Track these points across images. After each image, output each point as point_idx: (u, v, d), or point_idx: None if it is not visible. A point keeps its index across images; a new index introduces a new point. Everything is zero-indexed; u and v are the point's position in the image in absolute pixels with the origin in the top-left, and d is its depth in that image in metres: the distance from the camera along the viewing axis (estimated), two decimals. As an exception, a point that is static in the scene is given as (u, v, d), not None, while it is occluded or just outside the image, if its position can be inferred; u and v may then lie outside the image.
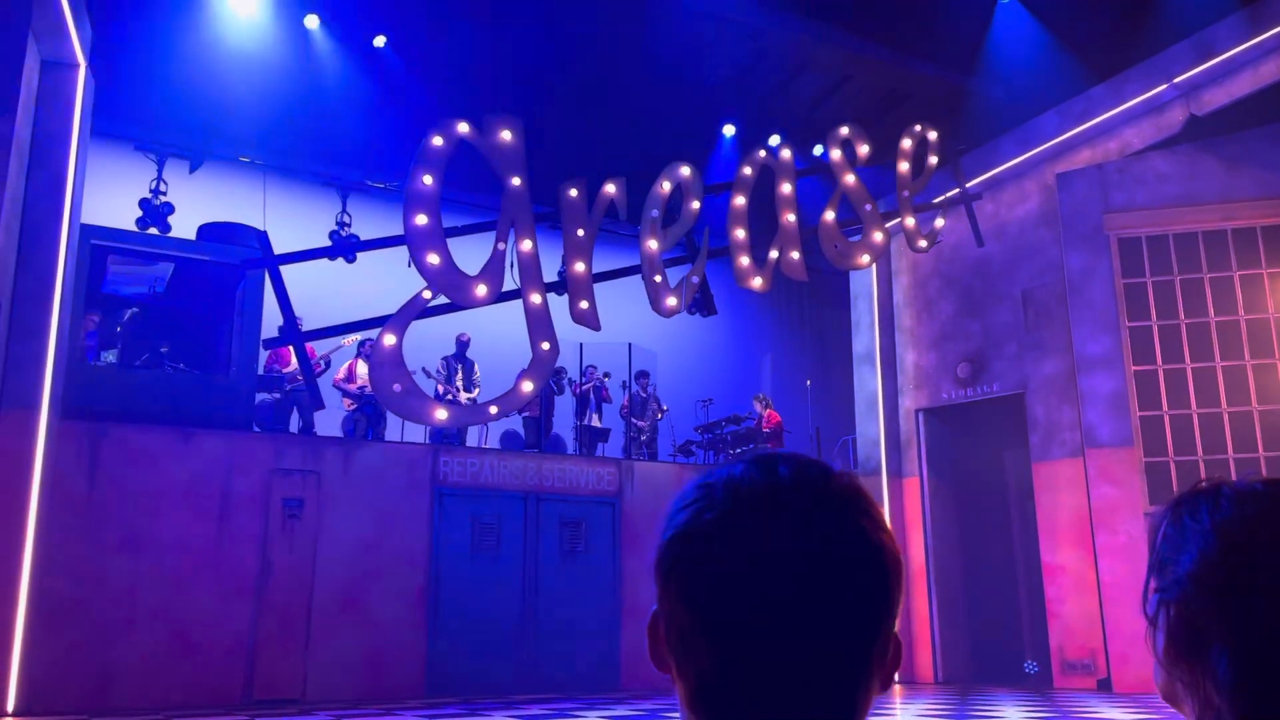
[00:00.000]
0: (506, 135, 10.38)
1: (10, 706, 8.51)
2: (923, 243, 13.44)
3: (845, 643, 0.73)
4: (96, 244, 10.62)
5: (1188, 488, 0.95)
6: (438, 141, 9.99)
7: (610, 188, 11.08)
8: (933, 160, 13.54)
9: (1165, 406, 11.83)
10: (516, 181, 10.39)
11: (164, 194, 12.07)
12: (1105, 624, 11.50)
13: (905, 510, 14.14)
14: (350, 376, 12.10)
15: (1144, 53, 12.54)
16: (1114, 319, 12.12)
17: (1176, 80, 12.17)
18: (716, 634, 0.73)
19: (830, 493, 0.76)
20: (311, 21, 12.48)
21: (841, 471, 0.80)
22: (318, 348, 11.79)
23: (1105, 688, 11.44)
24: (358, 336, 11.58)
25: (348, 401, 12.14)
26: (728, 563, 0.74)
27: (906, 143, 13.36)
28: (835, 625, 0.73)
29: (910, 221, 13.32)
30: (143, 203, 11.93)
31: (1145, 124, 12.72)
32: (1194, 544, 0.89)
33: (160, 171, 12.22)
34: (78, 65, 9.72)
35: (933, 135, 13.49)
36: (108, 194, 11.91)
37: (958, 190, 13.70)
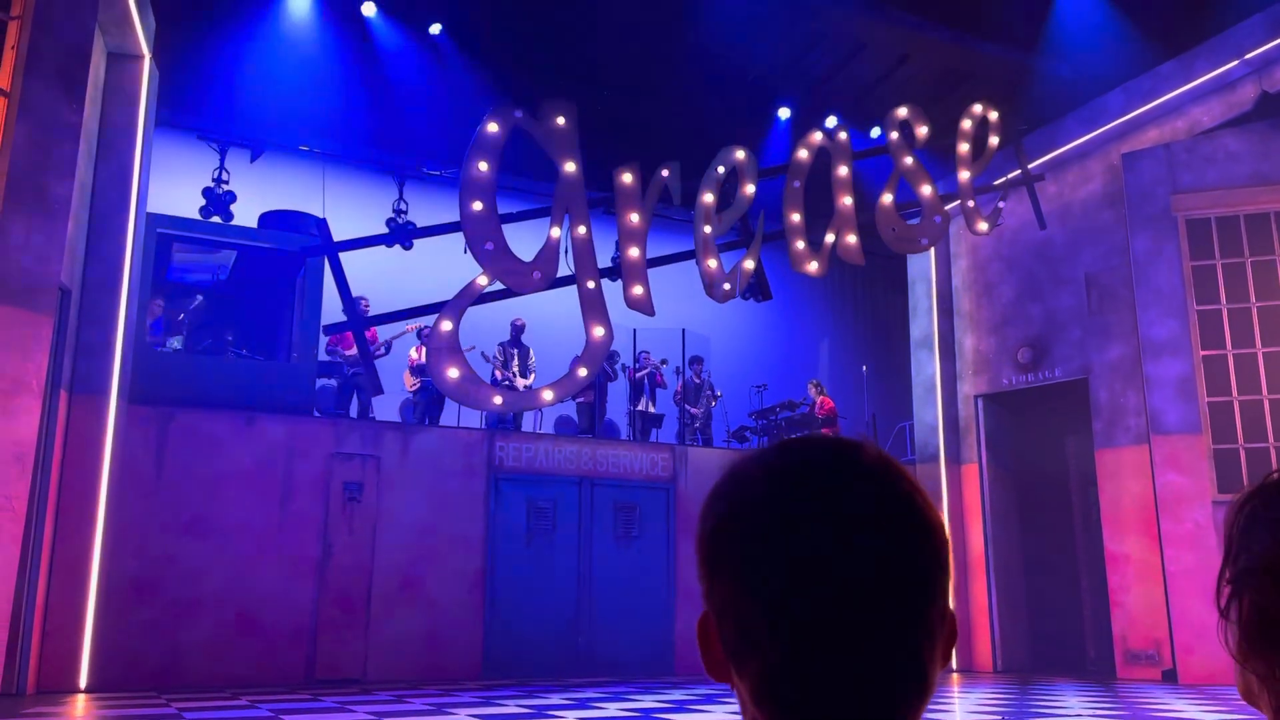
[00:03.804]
0: (560, 121, 10.39)
1: (83, 683, 8.78)
2: (983, 225, 13.20)
3: (912, 608, 0.72)
4: (162, 232, 10.86)
5: (1259, 479, 0.91)
6: (492, 128, 10.03)
7: (664, 172, 11.04)
8: (994, 141, 13.28)
9: (1235, 392, 11.51)
10: (570, 167, 10.40)
11: (226, 183, 12.31)
12: (1171, 614, 11.25)
13: (964, 497, 13.95)
14: (423, 356, 12.27)
15: (1214, 28, 12.15)
16: (1181, 302, 11.81)
17: (1248, 56, 11.78)
18: (779, 614, 0.70)
19: (871, 463, 0.75)
20: (369, 9, 12.60)
21: (868, 443, 0.78)
22: (381, 332, 11.96)
23: (1170, 679, 11.20)
24: (421, 322, 11.72)
25: (410, 382, 12.29)
26: (781, 538, 0.71)
27: (967, 123, 13.12)
28: (901, 591, 0.71)
29: (970, 204, 13.09)
30: (206, 191, 12.18)
31: (1215, 102, 12.34)
32: (1266, 532, 0.86)
33: (222, 161, 12.45)
34: (142, 57, 9.93)
35: (994, 115, 13.23)
36: (172, 183, 12.17)
37: (1019, 171, 13.42)
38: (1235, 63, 11.88)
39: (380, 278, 12.32)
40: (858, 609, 0.70)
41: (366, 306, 11.30)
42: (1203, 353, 11.67)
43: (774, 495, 0.74)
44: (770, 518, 0.73)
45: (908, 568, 0.72)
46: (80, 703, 7.97)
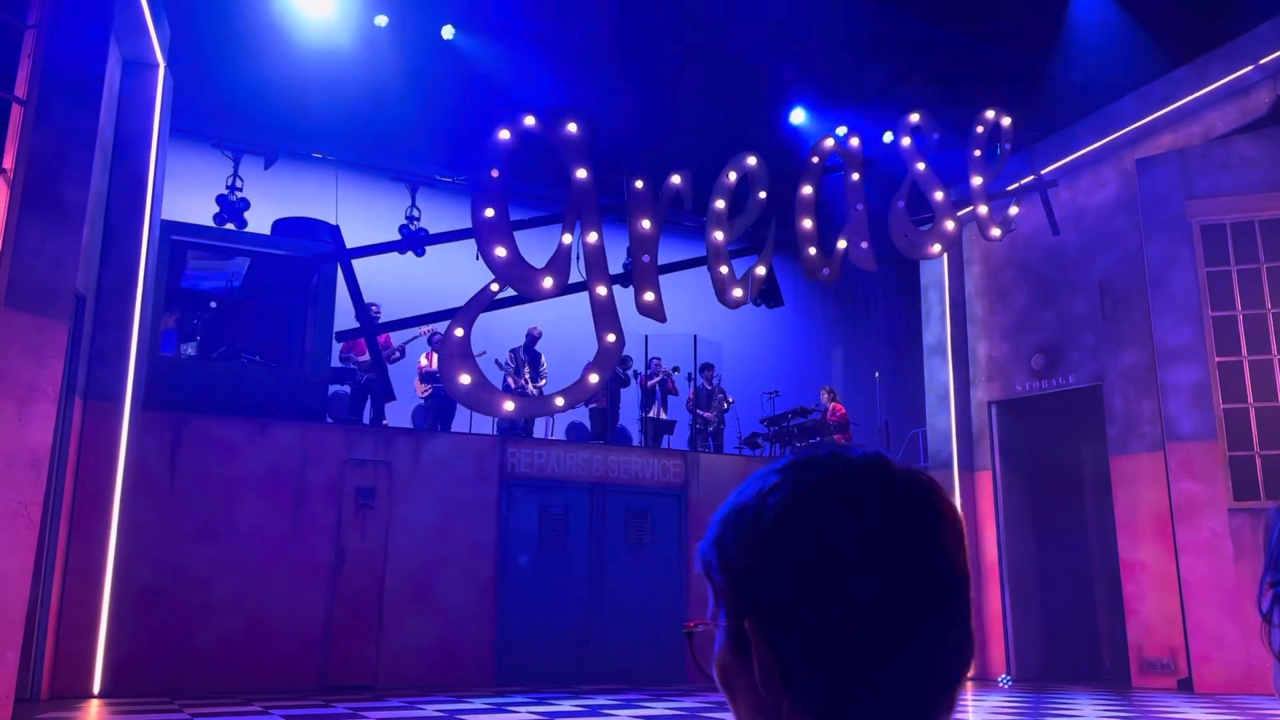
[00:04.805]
0: (572, 128, 10.40)
1: (96, 689, 8.81)
2: (996, 231, 13.16)
3: (968, 604, 0.76)
4: (176, 239, 10.92)
5: None
6: (504, 135, 10.06)
7: (676, 179, 11.04)
8: (1006, 147, 13.24)
9: (1251, 399, 11.43)
10: (582, 174, 10.41)
11: (240, 190, 12.37)
12: (1186, 622, 11.17)
13: (978, 505, 13.89)
14: (432, 362, 12.29)
15: (1228, 34, 12.11)
16: (1196, 308, 11.74)
17: (1262, 61, 11.72)
18: (852, 624, 0.71)
19: (906, 471, 0.78)
20: (381, 20, 12.65)
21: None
22: (394, 338, 11.98)
23: (1186, 688, 11.12)
24: (427, 330, 11.74)
25: (421, 389, 12.31)
26: (864, 541, 0.73)
27: (979, 129, 13.08)
28: (965, 589, 0.75)
29: (983, 210, 13.05)
30: (220, 199, 12.23)
31: (1229, 107, 12.28)
32: None
33: (236, 168, 12.52)
34: (157, 65, 9.99)
35: (1006, 121, 13.20)
36: (186, 190, 12.22)
37: (1032, 177, 13.37)
38: (1250, 68, 11.82)
39: (393, 284, 12.35)
40: (944, 606, 0.73)
41: (378, 312, 11.32)
42: (1218, 359, 11.60)
43: (850, 497, 0.75)
44: (847, 520, 0.74)
45: (964, 566, 0.76)
46: (94, 708, 8.00)
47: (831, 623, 0.72)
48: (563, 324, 12.37)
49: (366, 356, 11.72)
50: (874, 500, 0.74)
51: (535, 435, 12.58)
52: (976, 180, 13.01)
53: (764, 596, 0.74)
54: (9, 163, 7.08)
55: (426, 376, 12.24)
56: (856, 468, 0.76)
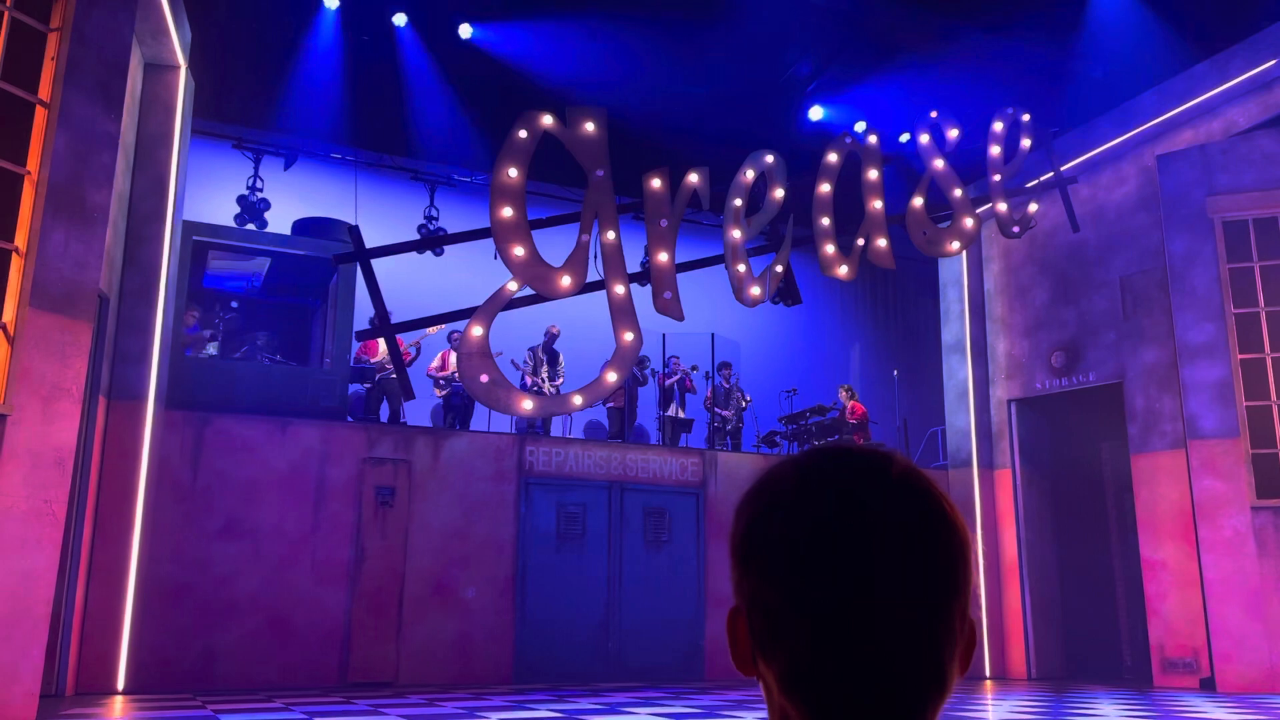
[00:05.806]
0: (590, 127, 10.40)
1: (120, 685, 8.90)
2: (1015, 228, 13.09)
3: (931, 606, 0.75)
4: (198, 240, 11.00)
5: None
6: (522, 134, 10.07)
7: (693, 177, 11.02)
8: (1025, 143, 13.17)
9: (1274, 396, 11.33)
10: (600, 173, 10.42)
11: (260, 191, 12.46)
12: (1209, 622, 11.09)
13: (997, 503, 13.83)
14: (444, 365, 12.35)
15: (1249, 28, 11.99)
16: (1218, 305, 11.64)
17: (1286, 55, 11.61)
18: (804, 607, 0.74)
19: (899, 469, 0.79)
20: (399, 19, 12.70)
21: (897, 452, 0.82)
22: (404, 338, 12.03)
23: (1208, 687, 11.04)
24: (438, 328, 11.78)
25: (440, 392, 12.37)
26: (808, 535, 0.75)
27: (998, 125, 13.01)
28: (920, 589, 0.75)
29: (1002, 207, 12.98)
30: (240, 199, 12.32)
31: (1251, 102, 12.17)
32: None
33: (256, 169, 12.61)
34: (178, 67, 10.07)
35: (1025, 117, 13.12)
36: (207, 191, 12.32)
37: (1052, 174, 13.29)
38: (1272, 63, 11.71)
39: (412, 283, 12.40)
40: (878, 604, 0.73)
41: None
42: (1240, 356, 11.50)
43: (802, 494, 0.78)
44: (798, 515, 0.77)
45: (928, 566, 0.76)
46: (118, 704, 8.08)
47: (756, 609, 0.77)
48: (580, 323, 12.40)
49: (378, 357, 11.79)
50: (798, 487, 0.78)
51: (553, 434, 12.62)
52: (995, 177, 12.94)
53: (735, 587, 0.81)
54: (33, 165, 7.16)
55: (439, 378, 12.28)
56: (810, 457, 0.81)
